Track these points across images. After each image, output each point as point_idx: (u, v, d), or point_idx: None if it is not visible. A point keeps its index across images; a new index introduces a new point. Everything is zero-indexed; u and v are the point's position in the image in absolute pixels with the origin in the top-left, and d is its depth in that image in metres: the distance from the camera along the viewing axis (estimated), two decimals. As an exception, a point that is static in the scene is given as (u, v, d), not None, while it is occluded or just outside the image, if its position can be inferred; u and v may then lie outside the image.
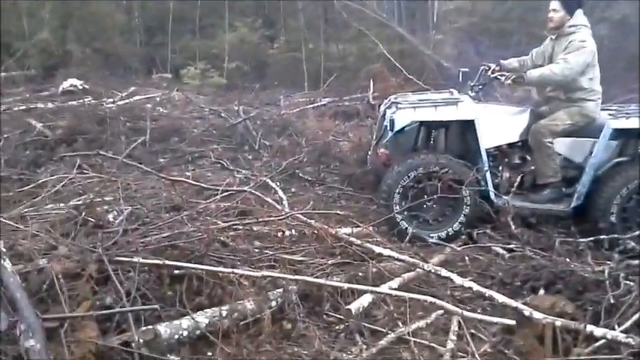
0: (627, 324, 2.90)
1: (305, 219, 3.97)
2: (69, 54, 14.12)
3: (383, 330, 3.09)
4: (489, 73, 4.71)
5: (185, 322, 2.78)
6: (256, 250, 3.63)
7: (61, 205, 4.18)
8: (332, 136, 7.27)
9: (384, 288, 3.21)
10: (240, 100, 9.68)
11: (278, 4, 17.37)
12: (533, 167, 4.60)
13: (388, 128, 4.60)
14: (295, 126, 7.92)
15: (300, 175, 6.18)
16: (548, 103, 4.72)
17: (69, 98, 9.77)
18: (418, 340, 3.00)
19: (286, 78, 14.53)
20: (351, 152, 6.39)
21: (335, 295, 3.22)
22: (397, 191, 4.44)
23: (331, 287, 3.23)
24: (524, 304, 3.06)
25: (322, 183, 6.04)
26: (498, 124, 4.59)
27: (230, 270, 3.05)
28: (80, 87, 10.67)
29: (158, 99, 10.25)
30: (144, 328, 2.64)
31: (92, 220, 3.60)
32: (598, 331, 2.76)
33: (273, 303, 3.09)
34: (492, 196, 4.48)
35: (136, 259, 2.95)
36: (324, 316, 3.21)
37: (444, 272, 3.39)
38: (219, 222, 3.84)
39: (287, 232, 3.98)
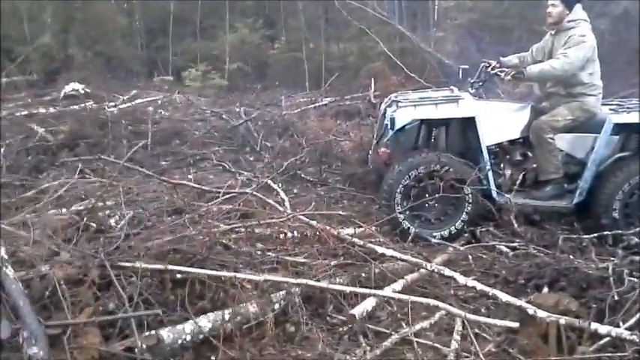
0: (632, 321, 2.88)
1: (307, 220, 3.96)
2: (70, 58, 14.16)
3: (386, 331, 3.08)
4: (489, 69, 4.69)
5: (188, 327, 2.77)
6: (259, 253, 3.63)
7: (63, 210, 4.18)
8: (333, 136, 7.26)
9: (387, 290, 3.20)
10: (242, 101, 9.70)
11: (278, 4, 17.36)
12: (534, 164, 4.58)
13: (389, 127, 4.58)
14: (297, 126, 7.91)
15: (302, 175, 6.18)
16: (548, 99, 4.70)
17: (71, 102, 9.80)
18: (422, 341, 3.00)
19: (287, 78, 14.53)
20: (353, 152, 6.39)
21: (338, 296, 3.21)
22: (398, 191, 4.42)
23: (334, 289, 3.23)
24: (528, 302, 3.04)
25: (324, 183, 6.04)
26: (499, 121, 4.57)
27: (232, 274, 3.04)
28: (82, 91, 10.70)
29: (159, 102, 10.27)
30: (147, 334, 2.64)
31: (94, 225, 3.61)
32: (602, 329, 2.75)
33: (276, 306, 3.08)
34: (494, 194, 4.47)
35: (138, 264, 2.95)
36: (328, 318, 3.21)
37: (447, 272, 3.37)
38: (221, 225, 3.83)
39: (289, 234, 3.97)
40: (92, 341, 2.56)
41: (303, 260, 3.67)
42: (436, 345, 2.97)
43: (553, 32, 4.63)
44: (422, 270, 3.50)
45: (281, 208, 4.33)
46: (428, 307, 3.14)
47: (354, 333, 3.06)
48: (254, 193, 4.50)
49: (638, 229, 4.15)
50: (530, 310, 2.89)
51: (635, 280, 3.25)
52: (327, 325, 3.16)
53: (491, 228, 4.44)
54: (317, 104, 10.14)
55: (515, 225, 4.32)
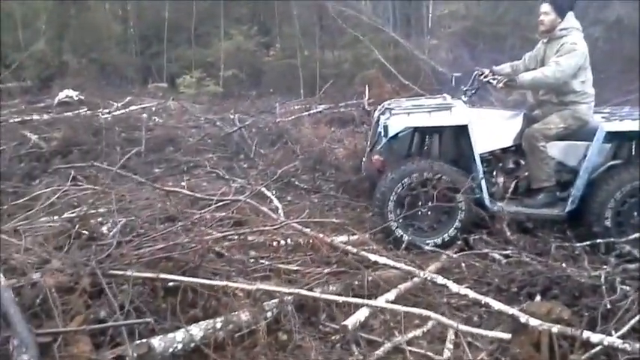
0: (624, 329, 2.89)
1: (301, 228, 3.96)
2: (65, 65, 14.16)
3: (379, 340, 3.08)
4: (482, 77, 4.71)
5: (179, 335, 2.75)
6: (251, 261, 3.62)
7: (55, 217, 4.16)
8: (327, 144, 7.26)
9: (380, 301, 3.19)
10: (236, 108, 9.72)
11: (273, 11, 17.40)
12: (527, 172, 4.59)
13: (382, 134, 4.59)
14: (291, 133, 7.92)
15: (296, 183, 6.17)
16: (541, 107, 4.72)
17: (64, 109, 9.79)
18: (414, 350, 2.99)
19: (282, 85, 14.57)
20: (347, 159, 6.39)
21: (331, 305, 3.21)
22: (391, 199, 4.42)
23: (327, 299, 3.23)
24: (521, 310, 3.04)
25: (318, 191, 6.03)
26: (492, 129, 4.58)
27: (224, 283, 3.03)
28: (76, 98, 10.70)
29: (154, 108, 10.27)
30: (138, 342, 2.62)
31: (86, 232, 3.59)
32: (595, 337, 2.74)
33: (269, 314, 3.07)
34: (487, 202, 4.48)
35: (129, 273, 2.94)
36: (320, 327, 3.20)
37: (440, 280, 3.37)
38: (214, 232, 3.82)
39: (282, 242, 3.96)
40: (83, 349, 2.54)
41: (296, 268, 3.67)
42: (429, 353, 2.97)
43: (545, 40, 4.65)
44: (415, 279, 3.50)
45: (274, 216, 4.33)
46: (421, 315, 3.14)
47: (346, 342, 3.05)
48: (247, 200, 4.49)
49: (630, 237, 4.16)
50: (523, 318, 2.89)
51: (628, 288, 3.26)
52: (320, 334, 3.15)
53: (484, 236, 4.45)
54: (311, 111, 10.16)
55: (508, 233, 4.34)
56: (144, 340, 2.64)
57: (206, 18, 16.88)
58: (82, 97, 10.78)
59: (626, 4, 11.85)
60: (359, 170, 5.66)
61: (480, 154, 4.51)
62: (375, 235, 4.41)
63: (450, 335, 2.98)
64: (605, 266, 3.72)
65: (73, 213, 4.20)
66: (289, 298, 3.13)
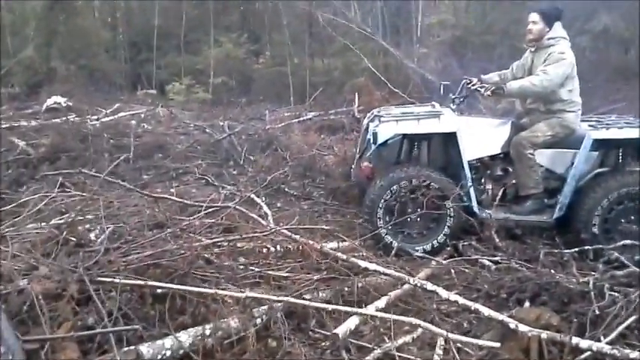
0: (613, 335, 2.90)
1: (290, 234, 3.95)
2: (53, 71, 14.09)
3: (369, 346, 3.06)
4: (470, 86, 4.74)
5: (168, 342, 2.72)
6: (241, 267, 3.60)
7: (43, 224, 4.12)
8: (317, 150, 7.27)
9: (370, 309, 3.18)
10: (226, 115, 9.71)
11: (263, 19, 17.48)
12: (515, 179, 4.62)
13: (371, 141, 4.60)
14: (280, 140, 7.92)
15: (286, 189, 6.17)
16: (528, 115, 4.76)
17: (52, 116, 9.74)
18: (404, 356, 2.98)
19: (272, 92, 14.60)
20: (337, 166, 6.40)
21: (321, 311, 3.19)
22: (380, 206, 4.44)
23: (318, 301, 3.22)
24: (510, 316, 3.06)
25: (308, 197, 6.03)
26: (480, 137, 4.61)
27: (213, 291, 3.02)
28: (64, 104, 10.64)
29: (143, 115, 10.24)
30: (126, 349, 2.60)
31: (74, 239, 3.55)
32: (584, 343, 2.76)
33: (258, 320, 3.05)
34: (475, 209, 4.50)
35: (117, 280, 2.91)
36: (310, 333, 3.19)
37: (429, 286, 3.38)
38: (203, 239, 3.80)
39: (272, 248, 3.95)
40: (70, 357, 2.52)
41: (285, 274, 3.66)
42: (419, 359, 2.96)
43: (533, 49, 4.69)
44: (405, 286, 3.50)
45: (264, 222, 4.31)
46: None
47: (336, 348, 3.03)
48: (237, 207, 4.47)
49: (618, 243, 4.20)
50: (512, 324, 2.90)
51: (616, 294, 3.27)
52: (310, 340, 3.14)
53: (473, 242, 4.47)
54: (301, 118, 10.18)
55: (497, 239, 4.36)
56: (132, 347, 2.61)
57: (196, 25, 16.89)
58: (71, 104, 10.73)
59: (613, 14, 12.02)
60: (349, 177, 5.66)
61: (469, 162, 4.54)
62: (365, 241, 4.40)
63: (440, 341, 2.97)
64: (593, 273, 3.74)
65: (60, 219, 4.16)
66: (279, 304, 3.11)
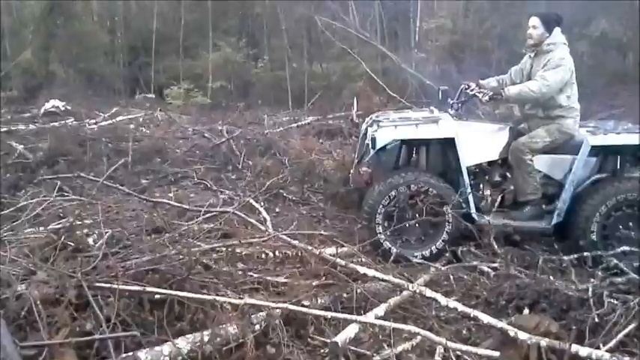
0: (612, 343, 2.90)
1: (289, 240, 3.94)
2: (52, 75, 14.09)
3: (368, 353, 3.05)
4: (469, 90, 4.74)
5: (166, 348, 2.72)
6: (240, 273, 3.59)
7: (41, 228, 4.11)
8: (316, 155, 7.25)
9: (369, 316, 3.17)
10: (224, 119, 9.69)
11: (262, 23, 17.49)
12: (513, 185, 4.62)
13: (370, 146, 4.59)
14: (279, 145, 7.90)
15: (285, 194, 6.15)
16: (527, 121, 4.76)
17: (51, 119, 9.73)
18: (404, 363, 2.98)
19: (270, 97, 14.62)
20: (335, 171, 6.39)
21: (320, 317, 3.18)
22: (379, 211, 4.43)
23: (316, 308, 3.21)
24: (509, 324, 3.05)
25: (306, 202, 6.02)
26: (478, 142, 4.62)
27: (212, 297, 3.01)
28: (62, 108, 10.64)
29: (141, 119, 10.23)
30: (124, 355, 2.59)
31: (72, 244, 3.54)
32: (583, 351, 2.76)
33: (257, 327, 3.04)
34: (474, 214, 4.50)
35: (115, 285, 2.90)
36: (309, 340, 3.17)
37: (428, 293, 3.38)
38: (201, 244, 3.80)
39: (271, 254, 3.94)
40: (68, 363, 2.50)
41: (284, 280, 3.65)
42: (418, 367, 2.96)
43: (532, 54, 4.70)
44: (404, 293, 3.49)
45: (263, 228, 4.31)
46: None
47: (335, 355, 3.02)
48: (235, 212, 4.47)
49: (617, 250, 4.20)
50: (511, 331, 2.90)
51: (615, 302, 3.27)
52: (309, 347, 3.13)
53: (472, 248, 4.47)
54: (300, 123, 10.19)
55: (496, 246, 4.35)
56: (130, 354, 2.60)
57: (194, 30, 16.91)
58: (69, 108, 10.72)
59: (611, 19, 12.05)
60: (347, 182, 5.66)
61: (467, 167, 4.55)
62: (364, 247, 4.40)
63: (439, 349, 2.97)
64: (592, 279, 3.74)
65: (58, 224, 4.15)
66: (277, 311, 3.10)
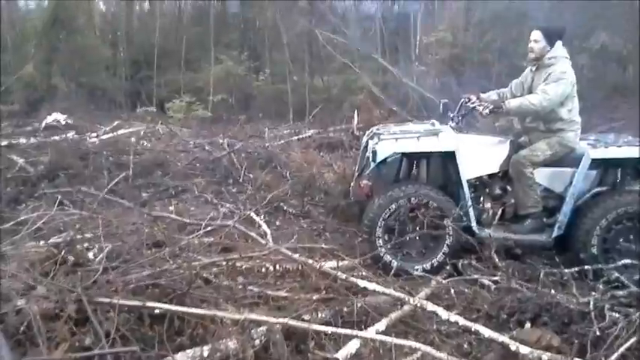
0: (614, 357, 2.89)
1: (289, 253, 3.93)
2: (53, 88, 14.12)
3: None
4: (469, 104, 4.75)
5: (166, 364, 2.71)
6: (240, 287, 3.58)
7: (41, 242, 4.11)
8: (317, 168, 7.25)
9: (370, 331, 3.15)
10: (225, 132, 9.70)
11: (263, 37, 17.59)
12: (513, 198, 4.62)
13: (370, 159, 4.60)
14: (280, 158, 7.92)
15: (285, 208, 6.15)
16: (528, 134, 4.77)
17: (52, 133, 9.75)
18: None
19: (271, 110, 14.65)
20: (336, 184, 6.39)
21: (320, 332, 3.17)
22: (379, 224, 4.43)
23: (317, 322, 3.19)
24: (511, 338, 3.04)
25: (307, 216, 6.01)
26: (479, 155, 4.62)
27: (212, 313, 3.00)
28: (64, 122, 10.66)
29: (142, 133, 10.24)
30: (123, 371, 2.58)
31: (72, 258, 3.54)
32: (585, 365, 2.75)
33: (257, 342, 3.02)
34: (474, 227, 4.49)
35: (115, 301, 2.89)
36: (309, 355, 3.15)
37: (429, 307, 3.37)
38: (202, 258, 3.79)
39: (271, 268, 3.94)
40: (67, 378, 2.49)
41: (285, 294, 3.63)
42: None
43: (534, 68, 4.71)
44: (405, 307, 3.47)
45: (263, 241, 4.30)
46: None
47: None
48: (236, 225, 4.47)
49: (618, 263, 4.18)
50: (513, 346, 2.88)
51: (617, 315, 3.26)
52: (309, 362, 3.11)
53: (473, 261, 4.45)
54: (300, 136, 10.21)
55: (497, 259, 4.33)
56: (130, 369, 2.59)
57: (196, 43, 16.99)
58: (70, 121, 10.75)
59: (611, 32, 12.11)
60: (348, 195, 5.65)
61: (468, 180, 4.55)
62: (365, 260, 4.39)
63: (441, 364, 2.95)
64: (593, 293, 3.72)
65: (59, 238, 4.16)
66: (278, 326, 3.09)
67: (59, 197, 5.46)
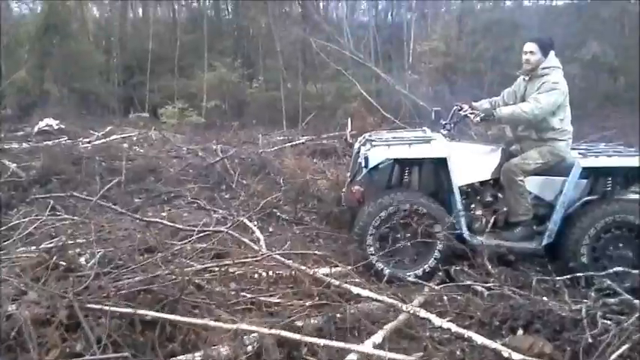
0: (606, 364, 2.90)
1: (282, 260, 3.93)
2: (46, 93, 14.09)
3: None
4: (461, 112, 4.78)
5: (157, 370, 2.70)
6: (232, 293, 3.57)
7: (33, 248, 4.08)
8: (310, 175, 7.25)
9: (367, 345, 3.12)
10: (218, 138, 9.71)
11: (257, 44, 17.64)
12: (504, 205, 4.64)
13: (362, 165, 4.61)
14: (273, 165, 7.91)
15: (278, 214, 6.14)
16: (519, 142, 4.80)
17: (44, 138, 9.71)
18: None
19: (265, 117, 14.69)
20: (329, 191, 6.39)
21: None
22: (370, 231, 4.43)
23: (310, 329, 3.18)
24: (503, 345, 3.04)
25: (300, 222, 6.01)
26: (470, 162, 4.64)
27: (204, 321, 2.99)
28: (56, 127, 10.63)
29: (135, 138, 10.22)
30: (115, 377, 2.57)
31: (64, 263, 3.52)
32: (577, 372, 2.75)
33: (249, 348, 3.01)
34: (465, 234, 4.50)
35: (106, 307, 2.88)
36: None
37: (422, 313, 3.37)
38: (194, 264, 3.78)
39: (264, 274, 3.93)
40: (58, 384, 2.48)
41: (277, 300, 3.62)
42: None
43: (527, 77, 4.74)
44: (400, 317, 3.47)
45: (256, 247, 4.29)
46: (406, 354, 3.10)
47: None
48: (229, 231, 4.46)
49: (610, 270, 4.20)
50: (506, 353, 2.89)
51: (609, 322, 3.27)
52: (301, 369, 3.10)
53: (465, 267, 4.46)
54: (294, 143, 10.22)
55: (489, 266, 4.34)
56: (121, 375, 2.58)
57: (190, 50, 17.02)
58: (63, 126, 10.71)
59: (602, 43, 12.23)
60: (341, 202, 5.66)
61: (459, 187, 4.56)
62: (358, 267, 4.38)
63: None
64: (585, 300, 3.73)
65: (51, 243, 4.13)
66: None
67: (51, 202, 5.44)
